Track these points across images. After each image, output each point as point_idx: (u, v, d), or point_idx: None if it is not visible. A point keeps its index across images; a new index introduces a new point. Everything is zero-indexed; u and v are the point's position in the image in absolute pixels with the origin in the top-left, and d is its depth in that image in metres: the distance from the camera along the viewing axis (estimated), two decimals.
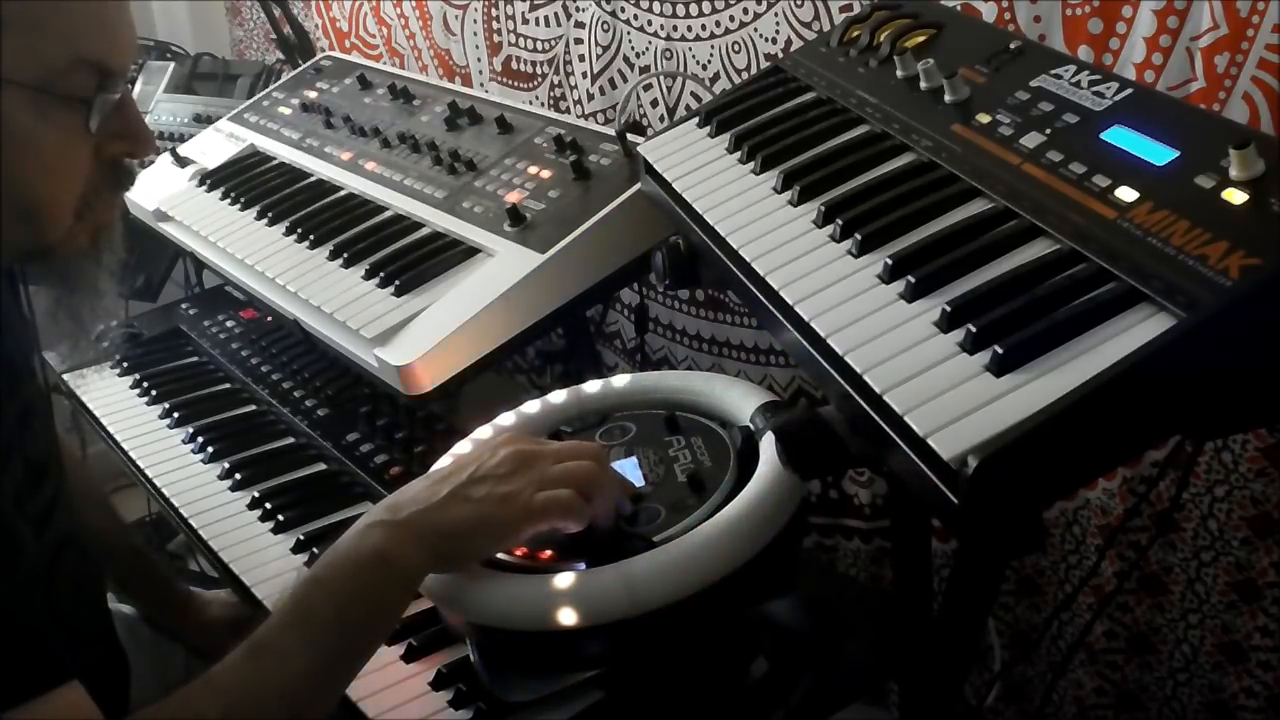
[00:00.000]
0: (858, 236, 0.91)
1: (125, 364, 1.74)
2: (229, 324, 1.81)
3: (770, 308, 0.92)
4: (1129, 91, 0.92)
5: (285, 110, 1.85)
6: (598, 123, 1.72)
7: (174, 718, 0.84)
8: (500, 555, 0.94)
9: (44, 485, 0.97)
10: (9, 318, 1.00)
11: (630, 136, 1.35)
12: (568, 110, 1.90)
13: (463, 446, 1.08)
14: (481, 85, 2.06)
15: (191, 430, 1.54)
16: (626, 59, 1.78)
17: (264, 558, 1.29)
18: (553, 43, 1.89)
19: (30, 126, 0.85)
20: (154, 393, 1.66)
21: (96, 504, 1.36)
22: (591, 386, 1.14)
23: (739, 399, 1.05)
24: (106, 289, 0.99)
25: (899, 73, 1.06)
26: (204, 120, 2.01)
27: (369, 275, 1.35)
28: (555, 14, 1.87)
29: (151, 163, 1.85)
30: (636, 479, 0.99)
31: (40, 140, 0.86)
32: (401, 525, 0.90)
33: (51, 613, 0.95)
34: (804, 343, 0.87)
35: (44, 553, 0.95)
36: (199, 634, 1.36)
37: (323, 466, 1.45)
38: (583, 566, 0.90)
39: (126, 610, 1.36)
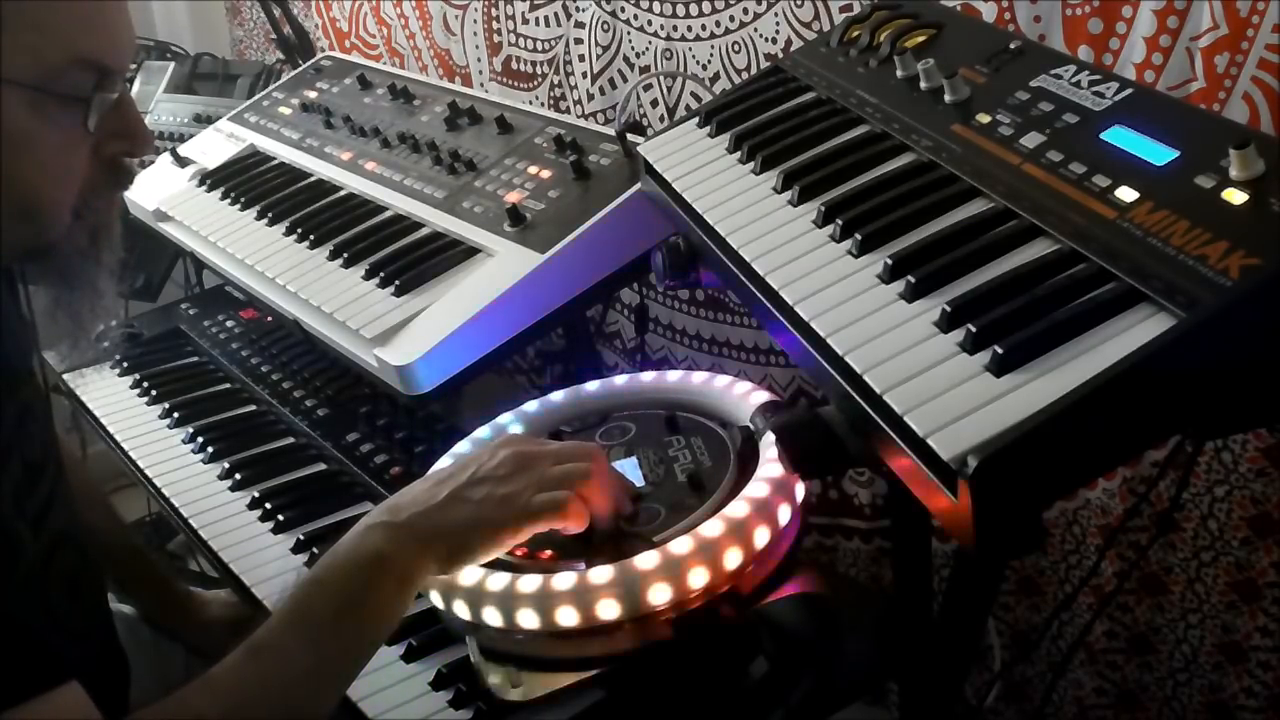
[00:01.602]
0: (858, 236, 0.91)
1: (125, 364, 1.74)
2: (229, 324, 1.81)
3: (770, 308, 0.92)
4: (1129, 91, 0.92)
5: (285, 110, 1.85)
6: (598, 123, 1.72)
7: (173, 718, 0.84)
8: (500, 555, 0.94)
9: (40, 484, 0.97)
10: (8, 318, 1.00)
11: (630, 136, 1.35)
12: (568, 110, 1.90)
13: (462, 447, 1.08)
14: (481, 85, 2.06)
15: (191, 430, 1.54)
16: (626, 59, 1.78)
17: (264, 558, 1.29)
18: (553, 43, 1.89)
19: (29, 126, 0.85)
20: (154, 393, 1.66)
21: (96, 504, 1.36)
22: (591, 386, 1.14)
23: (739, 399, 1.05)
24: (106, 288, 0.99)
25: (899, 73, 1.06)
26: (204, 120, 2.01)
27: (369, 275, 1.35)
28: (555, 14, 1.87)
29: (151, 162, 1.85)
30: (636, 479, 0.99)
31: (39, 139, 0.86)
32: (401, 527, 0.90)
33: (45, 611, 0.94)
34: (804, 343, 0.87)
35: (40, 552, 0.95)
36: (199, 634, 1.36)
37: (323, 466, 1.45)
38: (583, 566, 0.89)
39: (126, 610, 1.36)
